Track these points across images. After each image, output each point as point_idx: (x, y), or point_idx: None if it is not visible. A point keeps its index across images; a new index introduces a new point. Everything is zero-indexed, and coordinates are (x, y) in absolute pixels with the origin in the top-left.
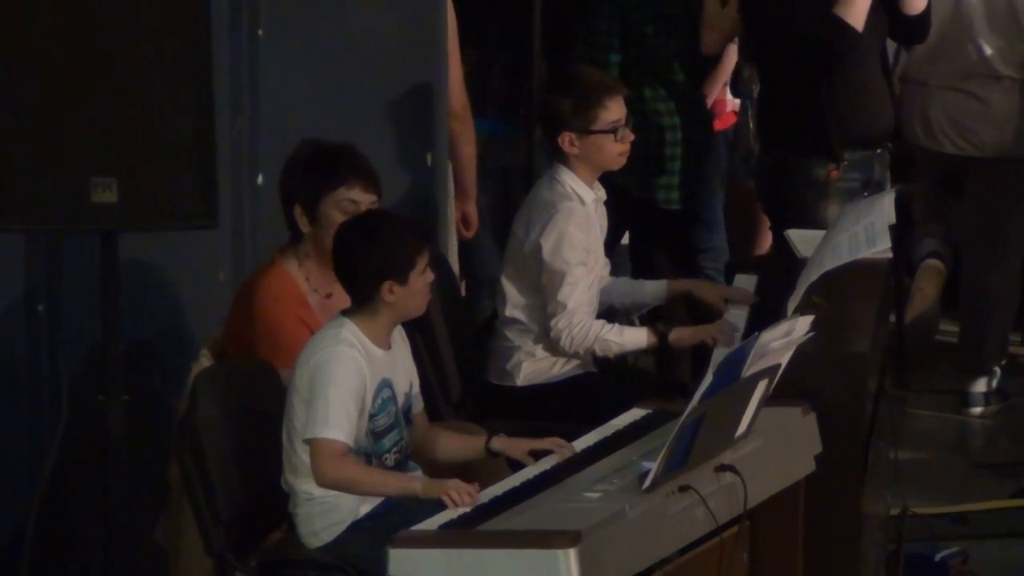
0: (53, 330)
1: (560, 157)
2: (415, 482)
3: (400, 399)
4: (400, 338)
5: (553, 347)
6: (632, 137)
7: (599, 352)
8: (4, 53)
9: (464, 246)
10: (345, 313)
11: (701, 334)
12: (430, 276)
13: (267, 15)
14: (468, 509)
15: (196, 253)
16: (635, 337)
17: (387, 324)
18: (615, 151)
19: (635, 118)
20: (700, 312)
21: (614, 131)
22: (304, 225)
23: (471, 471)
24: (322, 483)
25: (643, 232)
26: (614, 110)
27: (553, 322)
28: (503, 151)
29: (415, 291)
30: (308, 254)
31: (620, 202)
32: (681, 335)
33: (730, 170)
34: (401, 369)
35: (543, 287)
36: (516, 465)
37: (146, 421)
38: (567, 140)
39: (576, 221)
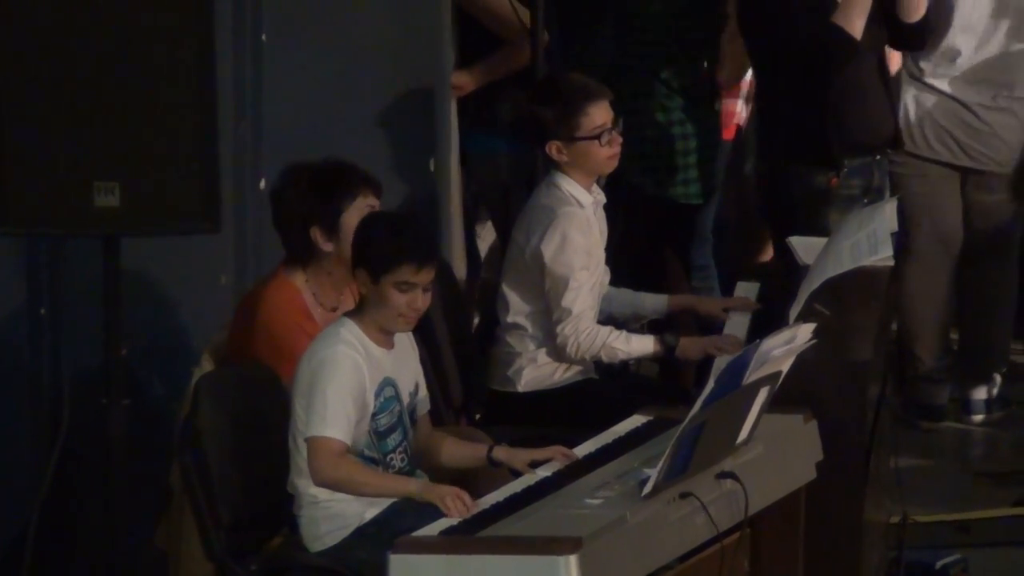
0: (55, 333)
1: (555, 163)
2: (411, 484)
3: (405, 399)
4: (407, 339)
5: (555, 353)
6: (620, 140)
7: (605, 359)
8: (7, 58)
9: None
10: (348, 314)
11: (708, 346)
12: (416, 301)
13: (270, 20)
14: (465, 517)
15: (198, 258)
16: (642, 345)
17: (380, 324)
18: (603, 155)
19: (644, 116)
20: (704, 322)
21: (598, 136)
22: (325, 244)
23: (472, 478)
24: (318, 482)
25: (657, 233)
26: (596, 115)
27: (559, 328)
28: (506, 167)
29: (385, 299)
30: (330, 272)
31: (635, 203)
32: (687, 348)
33: (741, 176)
34: (406, 369)
35: (546, 293)
36: (518, 473)
37: (147, 425)
38: (554, 149)
39: (576, 225)
